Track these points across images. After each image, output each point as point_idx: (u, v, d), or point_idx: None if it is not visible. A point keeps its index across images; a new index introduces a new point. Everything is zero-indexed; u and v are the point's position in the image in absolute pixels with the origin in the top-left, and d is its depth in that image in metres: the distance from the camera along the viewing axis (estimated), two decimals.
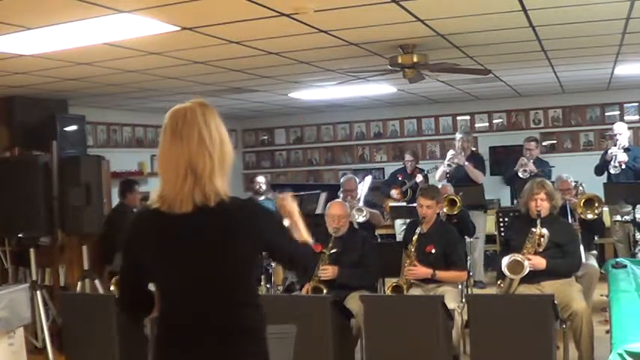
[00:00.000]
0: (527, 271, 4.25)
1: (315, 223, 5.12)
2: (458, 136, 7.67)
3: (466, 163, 7.32)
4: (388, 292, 4.65)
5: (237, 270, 1.97)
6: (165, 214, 1.92)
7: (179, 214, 1.90)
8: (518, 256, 4.31)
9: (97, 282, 5.61)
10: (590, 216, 5.16)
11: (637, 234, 5.97)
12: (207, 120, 1.95)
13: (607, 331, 4.33)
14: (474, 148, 9.42)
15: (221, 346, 1.93)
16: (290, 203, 2.29)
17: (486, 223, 7.30)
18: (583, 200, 5.21)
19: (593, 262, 5.30)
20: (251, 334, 1.99)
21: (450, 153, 7.48)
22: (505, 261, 4.32)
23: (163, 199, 1.93)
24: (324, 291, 4.50)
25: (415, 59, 5.02)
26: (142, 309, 2.09)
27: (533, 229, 4.40)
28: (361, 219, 6.22)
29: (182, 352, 1.95)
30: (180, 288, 1.97)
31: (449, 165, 7.35)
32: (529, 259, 4.29)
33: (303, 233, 2.24)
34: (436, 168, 7.99)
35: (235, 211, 1.94)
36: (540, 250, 4.39)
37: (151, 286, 2.08)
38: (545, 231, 4.38)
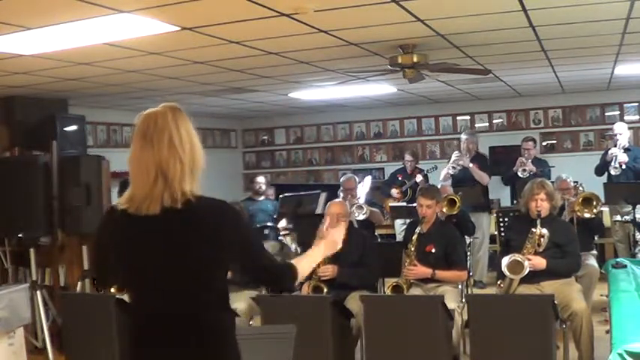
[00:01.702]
0: (527, 271, 4.25)
1: (315, 223, 5.12)
2: (463, 137, 7.61)
3: (471, 165, 7.29)
4: (388, 292, 4.65)
5: (203, 271, 1.96)
6: (132, 215, 1.93)
7: (145, 216, 1.91)
8: (518, 256, 4.31)
9: None
10: (587, 215, 5.13)
11: (637, 234, 5.97)
12: (178, 124, 1.96)
13: (607, 331, 4.34)
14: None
15: (189, 347, 1.93)
16: (338, 235, 2.32)
17: (490, 224, 7.29)
18: (581, 199, 5.20)
19: (593, 262, 5.30)
20: (220, 337, 1.98)
21: (455, 155, 7.39)
22: (505, 261, 4.33)
23: (132, 200, 1.94)
24: (325, 290, 4.50)
25: (415, 59, 5.02)
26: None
27: (534, 229, 4.40)
28: (361, 217, 6.24)
29: (150, 353, 1.96)
30: (148, 289, 1.98)
31: (454, 167, 7.30)
32: (529, 260, 4.30)
33: (308, 261, 2.19)
34: (435, 168, 7.99)
35: (201, 211, 1.95)
36: (540, 250, 4.39)
37: None
38: (545, 231, 4.38)
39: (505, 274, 4.33)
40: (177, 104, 2.04)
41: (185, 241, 1.92)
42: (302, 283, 4.76)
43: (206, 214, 1.95)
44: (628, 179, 6.73)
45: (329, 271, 4.58)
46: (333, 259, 4.62)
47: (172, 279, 1.94)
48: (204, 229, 1.93)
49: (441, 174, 7.45)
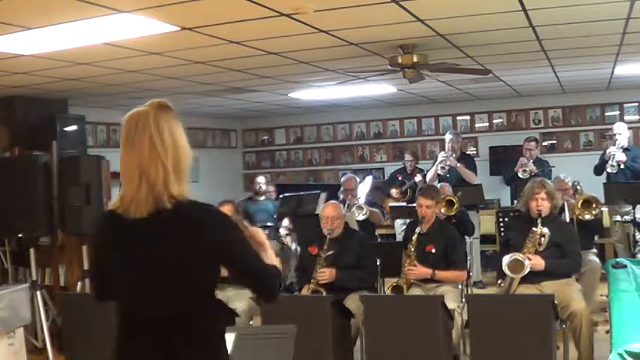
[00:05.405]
0: (527, 270, 4.25)
1: (315, 223, 5.12)
2: (447, 137, 7.61)
3: (458, 164, 7.30)
4: (388, 292, 4.66)
5: (194, 274, 1.92)
6: (121, 217, 1.91)
7: (134, 219, 1.89)
8: (519, 255, 4.31)
9: None
10: (587, 217, 5.17)
11: (637, 234, 5.97)
12: (160, 125, 1.90)
13: (607, 331, 4.34)
14: (473, 149, 9.47)
15: (176, 351, 1.91)
16: (260, 234, 2.19)
17: (480, 223, 7.29)
18: (581, 201, 5.22)
19: (595, 258, 5.30)
20: (208, 341, 1.95)
21: (442, 155, 7.41)
22: (506, 260, 4.33)
23: (122, 202, 1.92)
24: (324, 294, 4.49)
25: (415, 59, 5.02)
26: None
27: (534, 229, 4.40)
28: (361, 217, 6.25)
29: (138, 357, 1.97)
30: (138, 293, 1.95)
31: (442, 168, 7.31)
32: (529, 259, 4.30)
33: (272, 258, 2.13)
34: None
35: (192, 214, 1.92)
36: (541, 249, 4.39)
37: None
38: (546, 230, 4.38)
39: (506, 274, 4.33)
40: (165, 100, 1.97)
41: (173, 242, 1.89)
42: (301, 288, 4.76)
43: (196, 216, 1.91)
44: (627, 179, 6.74)
45: (326, 274, 4.57)
46: (330, 262, 4.63)
47: (158, 281, 1.91)
48: (194, 231, 1.89)
49: (428, 175, 7.44)
